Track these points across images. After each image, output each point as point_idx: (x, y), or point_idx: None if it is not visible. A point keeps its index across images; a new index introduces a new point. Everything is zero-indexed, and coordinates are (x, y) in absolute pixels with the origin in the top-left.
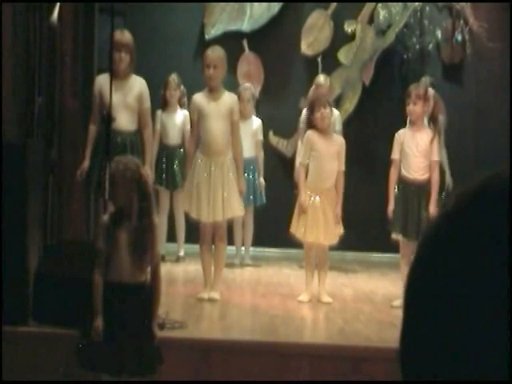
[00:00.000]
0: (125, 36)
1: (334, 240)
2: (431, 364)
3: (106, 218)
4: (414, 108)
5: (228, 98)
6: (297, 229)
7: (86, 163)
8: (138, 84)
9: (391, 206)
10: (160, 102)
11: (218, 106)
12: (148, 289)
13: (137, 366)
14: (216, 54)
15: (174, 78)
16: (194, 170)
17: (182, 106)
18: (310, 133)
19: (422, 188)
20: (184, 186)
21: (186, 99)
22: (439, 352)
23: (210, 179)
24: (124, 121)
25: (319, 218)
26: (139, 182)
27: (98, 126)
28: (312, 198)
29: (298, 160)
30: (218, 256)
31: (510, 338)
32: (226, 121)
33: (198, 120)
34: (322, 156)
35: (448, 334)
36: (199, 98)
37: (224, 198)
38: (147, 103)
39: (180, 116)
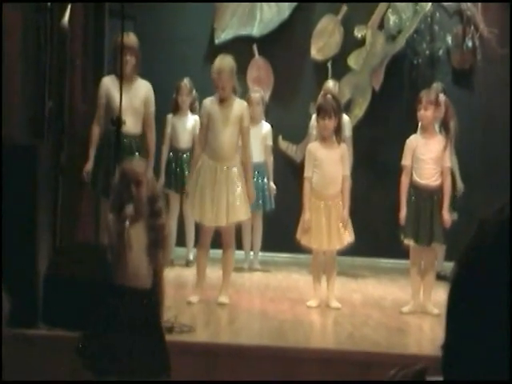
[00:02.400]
0: (130, 39)
1: (339, 245)
2: (471, 366)
3: (112, 218)
4: (425, 113)
5: (238, 104)
6: (302, 235)
7: (90, 164)
8: (144, 88)
9: (403, 212)
10: (171, 106)
11: (228, 113)
12: (155, 289)
13: (144, 368)
14: (224, 65)
15: (186, 83)
16: (198, 172)
17: (193, 111)
18: (311, 145)
19: (434, 194)
20: (188, 188)
21: (197, 104)
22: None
23: (214, 183)
24: (130, 124)
25: (323, 224)
26: (148, 182)
27: (103, 127)
28: (317, 205)
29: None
30: (226, 261)
31: (510, 339)
32: (234, 127)
33: (207, 124)
34: (324, 163)
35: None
36: (210, 102)
37: (228, 203)
38: (152, 107)
39: (191, 120)
